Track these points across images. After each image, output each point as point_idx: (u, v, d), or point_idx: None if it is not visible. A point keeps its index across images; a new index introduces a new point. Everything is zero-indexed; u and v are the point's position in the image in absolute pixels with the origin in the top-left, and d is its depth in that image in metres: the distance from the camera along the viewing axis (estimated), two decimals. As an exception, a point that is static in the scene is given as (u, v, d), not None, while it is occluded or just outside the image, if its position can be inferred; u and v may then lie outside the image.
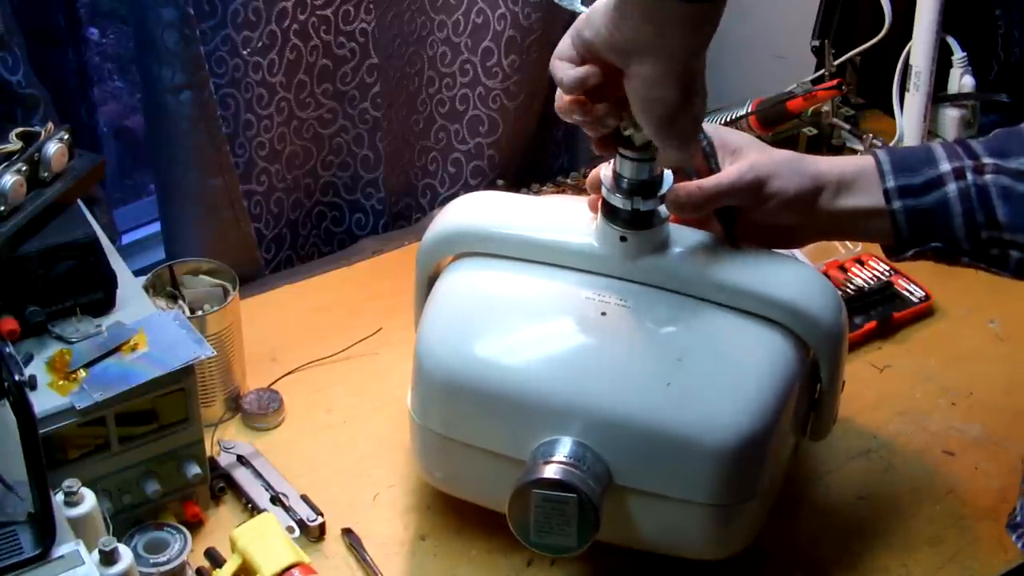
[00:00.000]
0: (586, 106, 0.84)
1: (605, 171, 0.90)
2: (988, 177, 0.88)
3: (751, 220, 0.92)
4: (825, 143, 1.49)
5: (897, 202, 0.90)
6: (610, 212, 0.92)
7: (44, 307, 0.94)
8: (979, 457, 1.08)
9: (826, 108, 1.46)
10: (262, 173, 1.37)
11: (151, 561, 0.92)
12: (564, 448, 0.88)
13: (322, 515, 1.00)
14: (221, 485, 1.04)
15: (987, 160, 0.88)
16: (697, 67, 0.79)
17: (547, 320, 0.93)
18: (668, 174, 0.90)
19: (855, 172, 0.91)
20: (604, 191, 0.90)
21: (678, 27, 0.75)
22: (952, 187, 0.88)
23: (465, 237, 0.98)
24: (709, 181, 0.90)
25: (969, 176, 0.88)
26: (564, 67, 0.82)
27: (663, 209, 0.92)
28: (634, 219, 0.91)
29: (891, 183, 0.90)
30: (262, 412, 1.10)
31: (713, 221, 0.94)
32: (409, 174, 1.54)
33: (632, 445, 0.88)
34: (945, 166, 0.89)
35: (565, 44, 0.83)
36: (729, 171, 0.90)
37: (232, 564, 0.92)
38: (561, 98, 0.84)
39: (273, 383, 1.14)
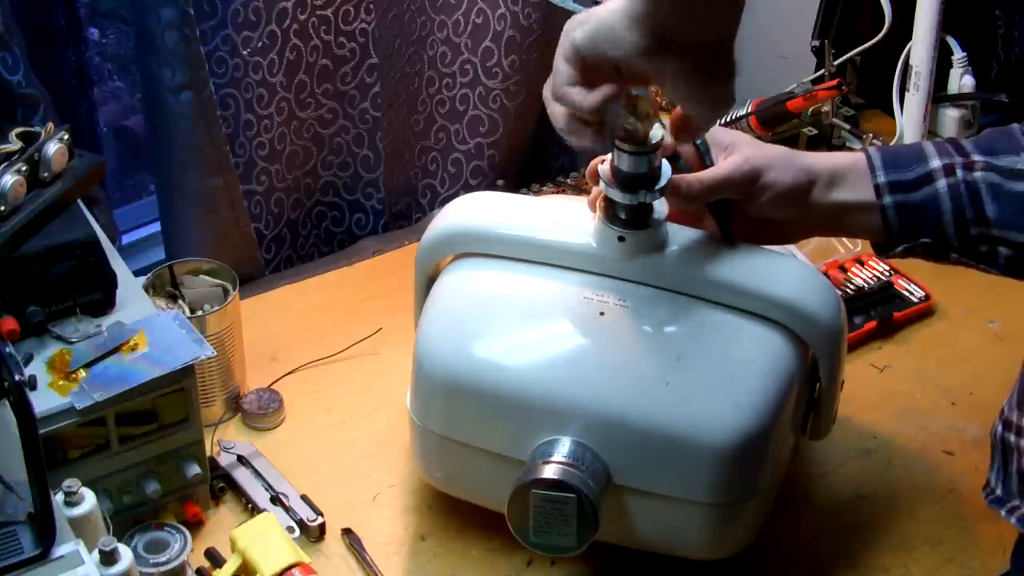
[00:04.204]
0: (601, 123, 0.84)
1: (603, 166, 0.90)
2: (978, 174, 0.88)
3: (745, 215, 0.93)
4: (825, 143, 1.49)
5: (887, 197, 0.90)
6: (609, 212, 0.92)
7: (44, 307, 0.95)
8: (979, 457, 1.08)
9: (826, 108, 1.47)
10: (262, 173, 1.37)
11: (151, 561, 0.92)
12: (563, 448, 0.88)
13: (322, 515, 1.00)
14: (221, 485, 1.04)
15: (977, 157, 0.89)
16: (731, 43, 0.79)
17: (546, 320, 0.93)
18: (666, 168, 0.90)
19: (847, 166, 0.92)
20: (603, 186, 0.90)
21: (713, 8, 0.76)
22: (942, 183, 0.89)
23: (464, 237, 0.98)
24: (707, 173, 0.91)
25: (959, 173, 0.89)
26: (578, 92, 0.81)
27: (661, 209, 0.92)
28: (633, 217, 0.91)
29: (882, 178, 0.90)
30: (262, 412, 1.10)
31: (708, 219, 0.94)
32: (409, 174, 1.54)
33: (631, 445, 0.88)
34: (935, 163, 0.90)
35: (566, 71, 0.81)
36: (725, 163, 0.91)
37: (232, 564, 0.92)
38: (570, 120, 0.83)
39: (273, 383, 1.14)
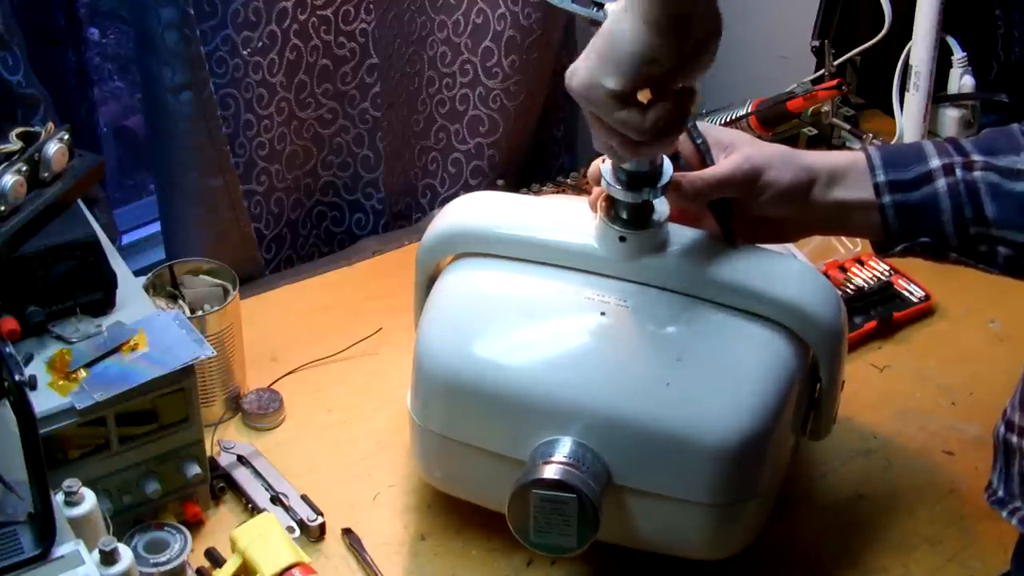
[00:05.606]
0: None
1: (605, 165, 0.90)
2: (977, 174, 0.88)
3: (745, 214, 0.93)
4: (825, 143, 1.49)
5: (887, 196, 0.90)
6: (610, 212, 0.92)
7: (44, 307, 0.94)
8: (979, 457, 1.08)
9: (826, 108, 1.47)
10: (262, 173, 1.37)
11: (151, 561, 0.92)
12: (564, 448, 0.88)
13: (322, 515, 1.00)
14: (221, 485, 1.04)
15: (976, 157, 0.89)
16: None
17: (547, 320, 0.93)
18: (668, 166, 0.90)
19: (846, 165, 0.92)
20: (605, 185, 0.90)
21: None
22: (941, 183, 0.89)
23: (465, 237, 0.98)
24: (709, 171, 0.91)
25: (958, 172, 0.89)
26: (631, 114, 0.80)
27: (662, 209, 0.92)
28: (634, 217, 0.91)
29: (881, 177, 0.91)
30: (262, 412, 1.10)
31: (708, 218, 0.94)
32: (409, 174, 1.54)
33: (632, 445, 0.88)
34: (935, 162, 0.90)
35: (627, 115, 0.79)
36: (726, 162, 0.91)
37: (232, 564, 0.92)
38: (639, 149, 0.83)
39: (273, 383, 1.14)
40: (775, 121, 1.43)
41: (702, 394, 0.88)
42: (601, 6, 0.86)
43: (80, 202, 1.01)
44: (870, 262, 1.30)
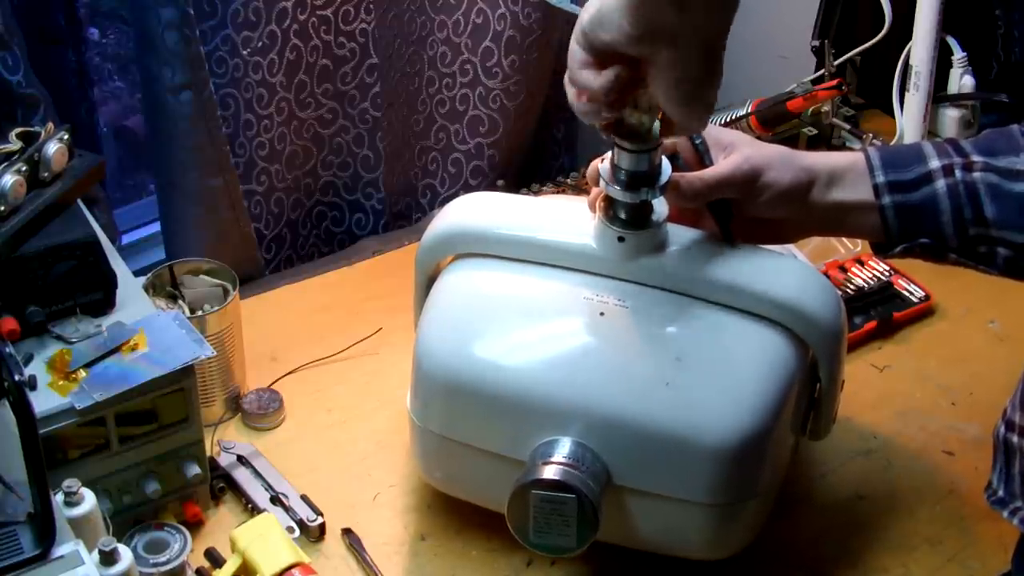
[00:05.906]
0: (615, 104, 0.84)
1: (603, 165, 0.90)
2: (977, 175, 0.88)
3: (744, 214, 0.93)
4: (825, 143, 1.49)
5: (886, 197, 0.90)
6: (609, 212, 0.92)
7: (44, 307, 0.95)
8: (979, 457, 1.08)
9: (826, 108, 1.47)
10: (262, 173, 1.37)
11: (151, 561, 0.92)
12: (563, 448, 0.88)
13: (322, 515, 1.00)
14: (221, 485, 1.04)
15: (976, 158, 0.89)
16: (721, 44, 0.79)
17: (546, 320, 0.93)
18: (666, 166, 0.90)
19: (846, 166, 0.92)
20: (603, 184, 0.90)
21: (702, 7, 0.75)
22: (941, 183, 0.89)
23: (464, 237, 0.98)
24: (708, 171, 0.91)
25: (958, 173, 0.89)
26: (589, 75, 0.81)
27: (661, 210, 0.92)
28: (633, 217, 0.91)
29: (881, 178, 0.91)
30: (262, 412, 1.10)
31: (707, 218, 0.94)
32: (409, 174, 1.54)
33: (631, 445, 0.88)
34: (934, 163, 0.90)
35: (578, 54, 0.81)
36: (726, 163, 0.92)
37: (232, 564, 0.92)
38: (581, 100, 0.84)
39: (273, 383, 1.14)
40: (775, 121, 1.43)
41: (702, 394, 0.88)
42: None
43: (80, 202, 1.01)
44: (870, 262, 1.30)
